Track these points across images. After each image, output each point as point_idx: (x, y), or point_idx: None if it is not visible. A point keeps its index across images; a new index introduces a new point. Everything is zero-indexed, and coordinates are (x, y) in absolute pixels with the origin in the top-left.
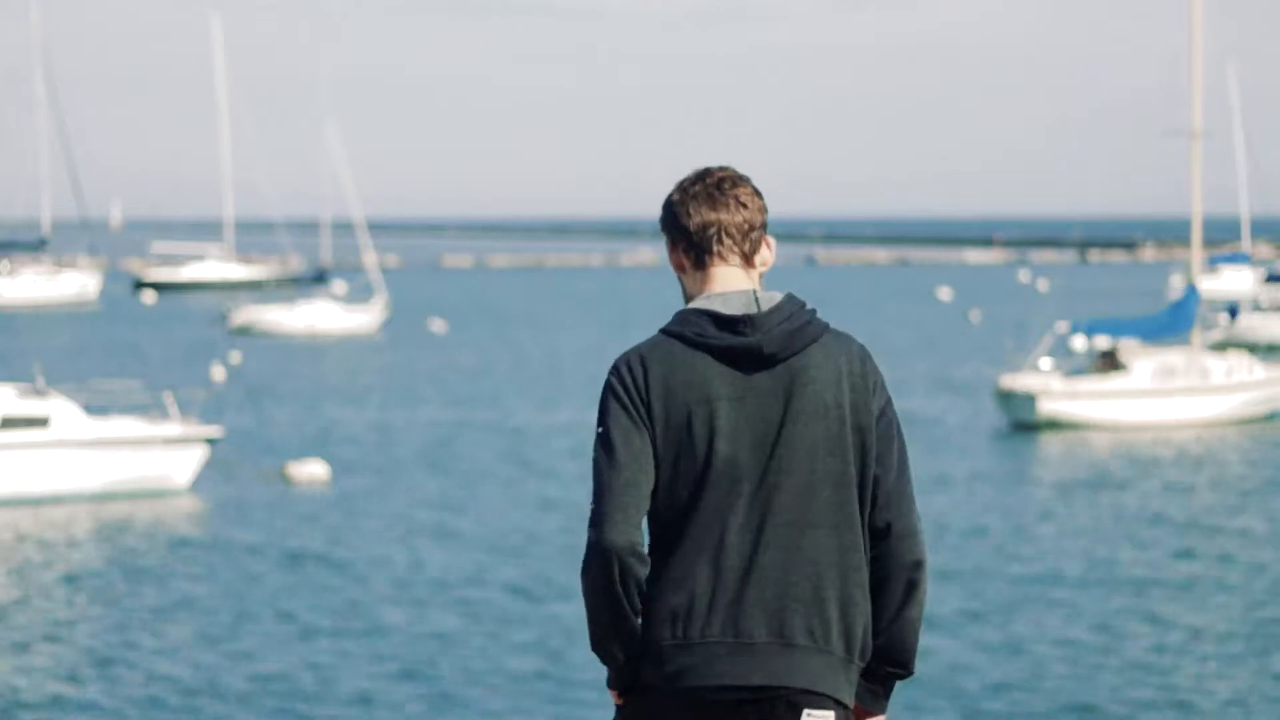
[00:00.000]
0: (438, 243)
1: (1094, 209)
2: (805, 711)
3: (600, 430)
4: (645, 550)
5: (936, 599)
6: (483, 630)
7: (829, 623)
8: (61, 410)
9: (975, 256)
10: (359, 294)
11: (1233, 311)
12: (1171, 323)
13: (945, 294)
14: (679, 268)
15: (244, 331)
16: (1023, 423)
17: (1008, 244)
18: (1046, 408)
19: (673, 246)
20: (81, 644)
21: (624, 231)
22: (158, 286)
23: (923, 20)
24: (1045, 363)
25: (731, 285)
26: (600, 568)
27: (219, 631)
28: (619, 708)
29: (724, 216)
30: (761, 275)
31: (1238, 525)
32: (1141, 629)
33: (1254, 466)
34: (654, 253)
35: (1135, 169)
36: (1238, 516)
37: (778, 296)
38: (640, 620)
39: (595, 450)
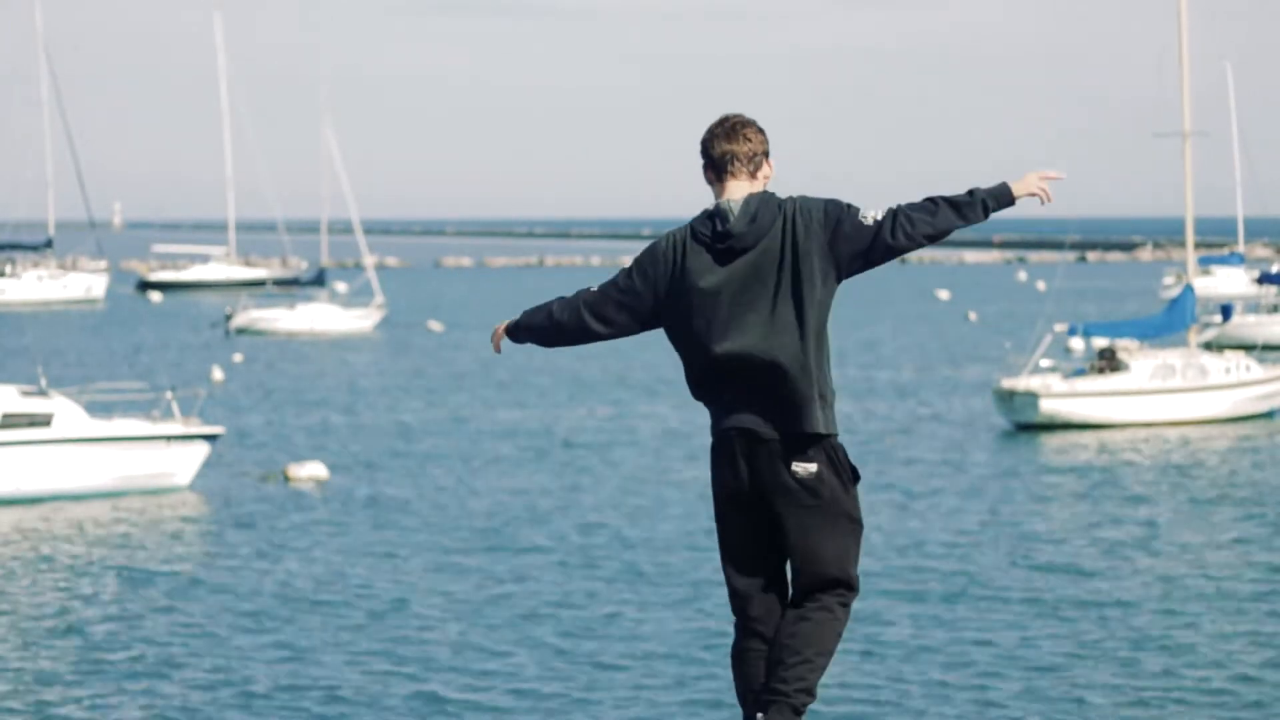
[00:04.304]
0: (437, 243)
1: (1092, 210)
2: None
3: (630, 264)
4: (599, 331)
5: (936, 598)
6: (483, 631)
7: (808, 386)
8: (63, 409)
9: (974, 257)
10: (359, 294)
11: (1226, 312)
12: (1168, 323)
13: (944, 294)
14: (709, 182)
15: (245, 332)
16: (1023, 422)
17: (1006, 245)
18: (1047, 407)
19: (704, 169)
20: (82, 641)
21: (624, 232)
22: (160, 286)
23: (922, 22)
24: (1045, 363)
25: (736, 195)
26: (570, 305)
27: (220, 629)
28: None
29: (736, 147)
30: (765, 184)
31: (1238, 521)
32: (1141, 626)
33: (1253, 463)
34: None
35: (1133, 170)
36: (1238, 512)
37: (741, 201)
38: (548, 330)
39: (620, 270)
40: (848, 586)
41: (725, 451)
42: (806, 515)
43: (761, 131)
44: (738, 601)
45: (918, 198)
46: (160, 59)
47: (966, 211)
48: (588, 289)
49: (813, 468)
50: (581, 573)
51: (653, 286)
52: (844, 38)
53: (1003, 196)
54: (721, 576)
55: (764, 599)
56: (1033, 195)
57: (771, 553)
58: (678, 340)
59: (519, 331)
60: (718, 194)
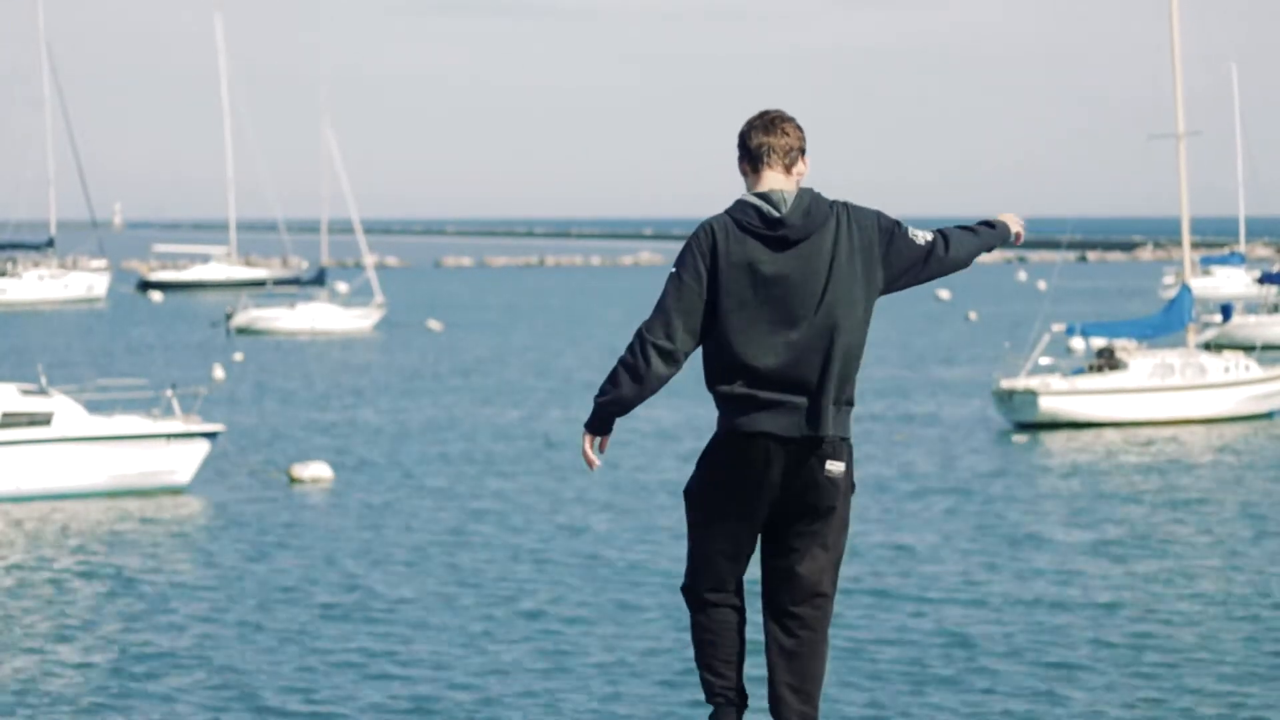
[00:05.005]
0: (437, 243)
1: (1092, 210)
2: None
3: (674, 270)
4: (670, 350)
5: (934, 597)
6: (484, 632)
7: (844, 390)
8: (63, 408)
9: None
10: (359, 294)
11: (1226, 311)
12: (1166, 323)
13: (944, 294)
14: (743, 174)
15: (245, 331)
16: (1022, 421)
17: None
18: (1046, 406)
19: (740, 160)
20: (82, 640)
21: (624, 232)
22: (160, 286)
23: (922, 23)
24: (1045, 362)
25: (772, 186)
26: (635, 345)
27: (220, 629)
28: (714, 444)
29: (774, 140)
30: (798, 180)
31: (1236, 521)
32: (1139, 621)
33: (1251, 463)
34: (654, 253)
35: (1133, 170)
36: (1236, 512)
37: (794, 193)
38: (643, 393)
39: (668, 280)
40: (828, 597)
41: (754, 451)
42: (830, 514)
43: (800, 129)
44: (711, 581)
45: (944, 224)
46: (160, 59)
47: (995, 238)
48: (641, 326)
49: (841, 466)
50: (585, 574)
51: (703, 280)
52: (844, 38)
53: (1007, 232)
54: (691, 564)
55: (737, 586)
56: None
57: (752, 549)
58: (718, 327)
59: (598, 418)
60: (751, 185)
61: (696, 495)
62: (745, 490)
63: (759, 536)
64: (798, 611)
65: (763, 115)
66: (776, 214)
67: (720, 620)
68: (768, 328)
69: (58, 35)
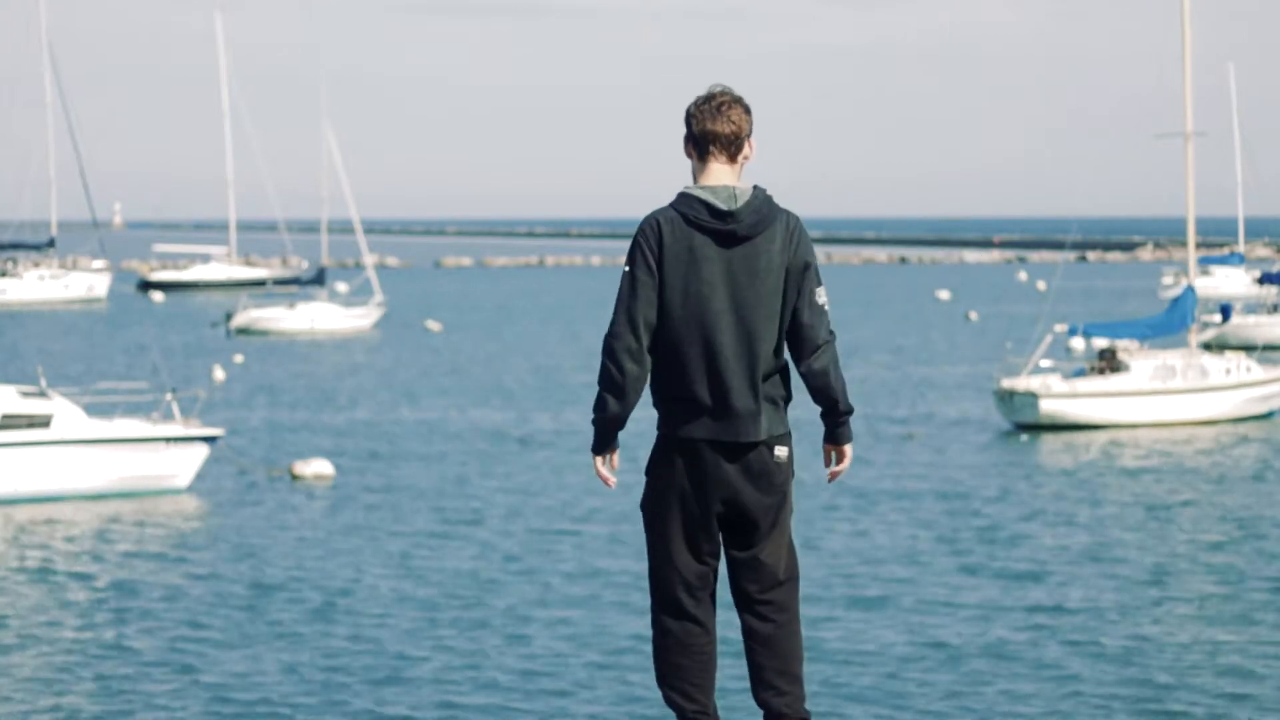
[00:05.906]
0: (437, 243)
1: (1093, 210)
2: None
3: (627, 268)
4: (639, 349)
5: (933, 599)
6: (484, 634)
7: (768, 391)
8: (63, 410)
9: (975, 257)
10: (359, 294)
11: (1225, 312)
12: (1168, 323)
13: (944, 294)
14: (688, 156)
15: (245, 332)
16: (1023, 423)
17: (1007, 245)
18: (1047, 408)
19: (685, 141)
20: (79, 643)
21: (624, 232)
22: (161, 286)
23: (923, 22)
24: (1045, 363)
25: (719, 179)
26: (605, 359)
27: (219, 631)
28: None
29: (718, 128)
30: (743, 165)
31: (1238, 523)
32: (1139, 625)
33: (1252, 465)
34: None
35: (1134, 170)
36: (1237, 514)
37: (748, 192)
38: (629, 402)
39: (623, 279)
40: (795, 578)
41: (697, 456)
42: (783, 500)
43: (748, 111)
44: (678, 591)
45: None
46: (160, 59)
47: (837, 419)
48: (606, 334)
49: (786, 450)
50: (584, 576)
51: (655, 273)
52: (844, 37)
53: (843, 435)
54: (655, 576)
55: (704, 593)
56: (834, 464)
57: (715, 551)
58: (661, 325)
59: (599, 438)
60: (696, 172)
61: (651, 506)
62: (697, 493)
63: (719, 536)
64: (769, 597)
65: (710, 99)
66: (725, 209)
67: (688, 641)
68: (709, 326)
69: (58, 36)
